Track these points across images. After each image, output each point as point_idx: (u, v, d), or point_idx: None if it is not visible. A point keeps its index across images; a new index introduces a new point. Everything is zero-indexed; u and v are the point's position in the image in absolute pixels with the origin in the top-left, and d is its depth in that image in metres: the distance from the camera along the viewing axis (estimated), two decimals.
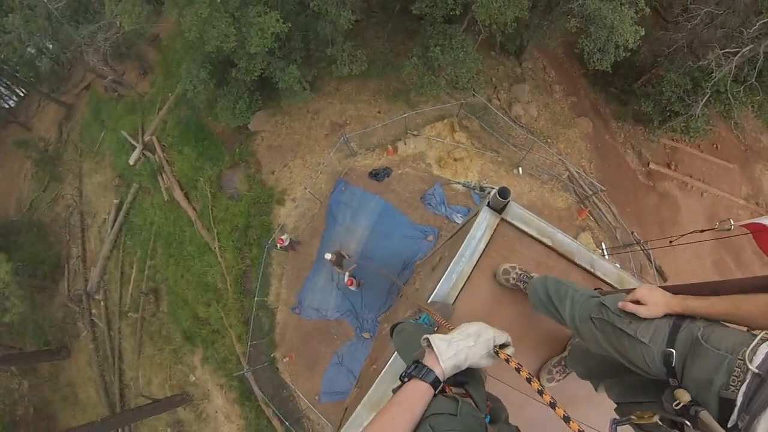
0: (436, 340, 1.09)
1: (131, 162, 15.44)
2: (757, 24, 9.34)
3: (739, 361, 1.30)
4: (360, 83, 12.48)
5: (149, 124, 15.80)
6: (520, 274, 2.49)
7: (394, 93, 12.23)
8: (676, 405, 1.40)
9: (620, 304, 1.68)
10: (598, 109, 13.12)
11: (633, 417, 1.59)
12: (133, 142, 15.67)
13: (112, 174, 16.42)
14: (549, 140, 11.94)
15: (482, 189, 2.60)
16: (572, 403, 2.52)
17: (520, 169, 11.05)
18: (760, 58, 9.60)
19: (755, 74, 10.00)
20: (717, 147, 12.99)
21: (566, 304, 1.90)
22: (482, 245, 2.53)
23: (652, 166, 12.52)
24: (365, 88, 12.56)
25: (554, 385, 2.52)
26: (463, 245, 2.52)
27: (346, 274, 9.84)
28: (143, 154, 15.39)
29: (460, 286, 2.45)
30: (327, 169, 11.45)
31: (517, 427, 1.37)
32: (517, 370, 1.10)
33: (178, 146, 14.81)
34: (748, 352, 1.29)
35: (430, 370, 1.06)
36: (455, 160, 10.92)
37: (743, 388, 1.27)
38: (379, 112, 12.10)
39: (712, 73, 10.06)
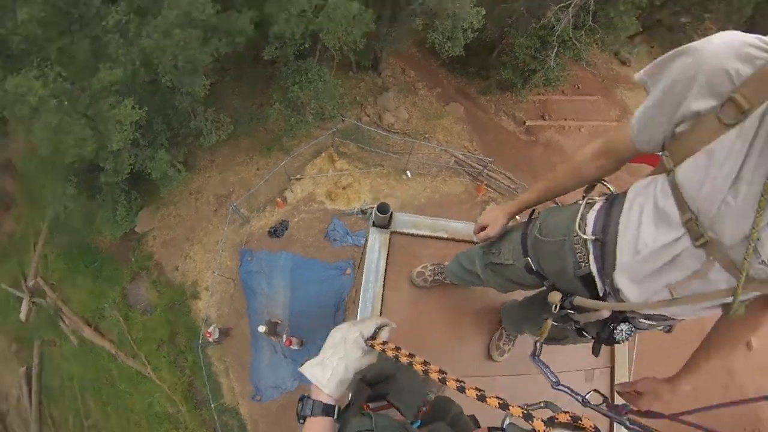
0: (307, 368, 1.06)
1: (22, 318, 14.12)
2: None
3: (575, 237, 1.37)
4: (232, 147, 12.46)
5: (28, 266, 14.66)
6: (434, 269, 2.58)
7: (267, 145, 12.33)
8: (555, 307, 1.48)
9: (473, 235, 1.83)
10: (464, 91, 13.91)
11: (537, 336, 1.67)
12: (18, 293, 14.41)
13: (7, 340, 14.75)
14: (427, 135, 12.48)
15: (363, 212, 2.62)
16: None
17: (408, 172, 11.42)
18: (591, 3, 10.68)
19: (590, 17, 11.15)
20: (578, 87, 14.18)
21: (476, 264, 1.99)
22: (382, 264, 2.58)
23: (528, 123, 13.44)
24: (238, 149, 12.57)
25: (507, 357, 2.63)
26: (365, 271, 2.60)
27: (284, 337, 9.70)
28: (33, 303, 14.23)
29: (379, 309, 2.51)
30: (227, 245, 11.23)
31: (470, 418, 1.37)
32: (396, 357, 1.06)
33: (68, 280, 13.90)
34: (578, 225, 1.36)
35: (315, 401, 1.02)
36: (344, 188, 11.13)
37: (591, 258, 1.33)
38: (258, 169, 12.13)
39: (554, 27, 11.20)
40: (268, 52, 10.29)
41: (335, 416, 1.02)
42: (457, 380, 0.92)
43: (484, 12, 9.96)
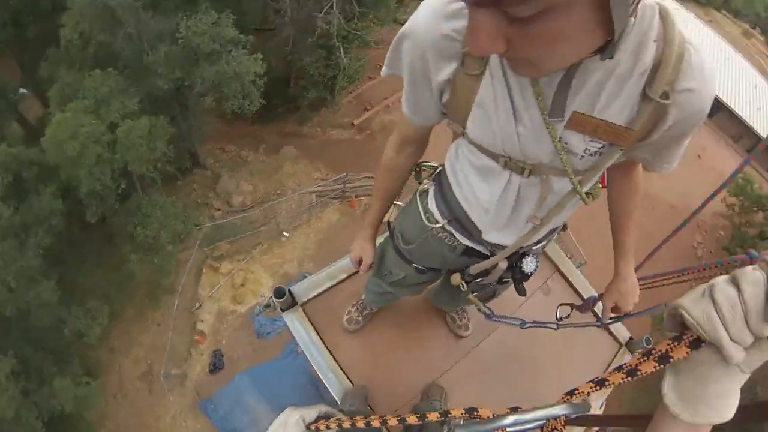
0: None
1: None
2: None
3: (432, 230, 1.44)
4: (119, 322, 11.81)
5: None
6: (358, 308, 2.60)
7: (150, 296, 11.91)
8: (462, 285, 1.53)
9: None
10: (285, 132, 14.34)
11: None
12: None
13: None
14: (278, 191, 12.70)
15: (267, 306, 2.56)
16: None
17: (285, 233, 11.59)
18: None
19: (356, 5, 12.03)
20: (380, 65, 14.99)
21: (383, 286, 2.05)
22: (315, 336, 2.53)
23: (356, 122, 14.10)
24: (127, 320, 11.98)
25: (473, 325, 2.67)
26: (305, 352, 2.53)
27: None
28: None
29: (344, 375, 2.48)
30: (184, 414, 10.70)
31: None
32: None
33: None
34: (427, 220, 1.44)
35: None
36: (242, 285, 11.05)
37: (457, 236, 1.40)
38: (158, 325, 11.74)
39: (331, 32, 11.82)
40: (90, 215, 10.00)
41: None
42: (396, 415, 0.95)
43: (261, 56, 10.36)
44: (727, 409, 0.59)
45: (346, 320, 2.57)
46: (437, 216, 1.40)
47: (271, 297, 2.50)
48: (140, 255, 10.60)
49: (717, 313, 0.54)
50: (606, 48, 0.73)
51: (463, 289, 1.54)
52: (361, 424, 1.02)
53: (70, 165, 8.93)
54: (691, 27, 22.07)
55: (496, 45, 0.63)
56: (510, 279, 1.50)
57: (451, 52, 0.96)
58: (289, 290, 2.46)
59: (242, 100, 10.55)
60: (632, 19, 0.78)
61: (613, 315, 1.62)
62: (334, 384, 2.40)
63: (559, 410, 0.70)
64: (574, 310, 1.76)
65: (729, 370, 0.57)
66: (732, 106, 19.49)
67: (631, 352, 2.89)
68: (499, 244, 1.32)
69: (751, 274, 0.53)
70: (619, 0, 0.58)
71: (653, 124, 0.95)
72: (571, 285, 2.91)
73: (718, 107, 18.90)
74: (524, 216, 1.19)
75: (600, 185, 1.21)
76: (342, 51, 12.34)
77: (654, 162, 1.12)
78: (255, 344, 10.83)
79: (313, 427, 1.07)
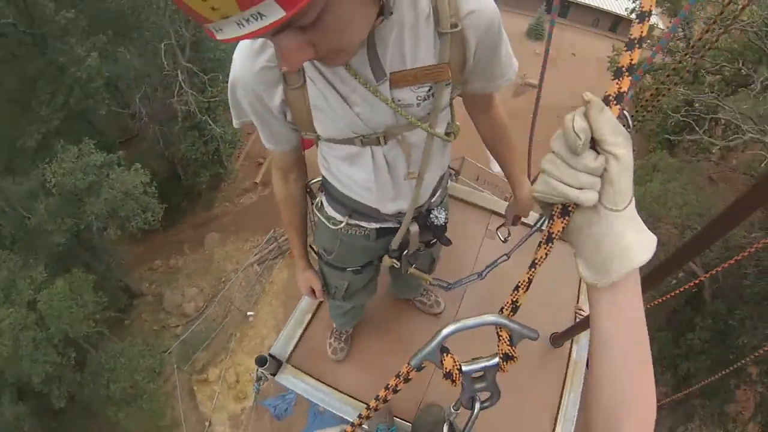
0: None
1: None
2: None
3: (341, 228, 1.56)
4: None
5: None
6: (335, 336, 2.64)
7: None
8: (396, 264, 1.67)
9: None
10: (198, 222, 14.27)
11: (426, 283, 1.88)
12: None
13: None
14: (222, 278, 12.93)
15: (259, 380, 2.45)
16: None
17: (249, 313, 11.63)
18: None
19: (203, 76, 12.15)
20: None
21: (344, 305, 2.15)
22: (315, 383, 2.51)
23: (257, 180, 14.19)
24: None
25: (443, 301, 2.78)
26: (318, 404, 2.55)
27: None
28: None
29: (356, 402, 2.48)
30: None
31: None
32: None
33: None
34: (332, 224, 1.57)
35: None
36: (237, 382, 11.04)
37: (364, 223, 1.53)
38: None
39: (192, 111, 11.96)
40: (56, 399, 9.38)
41: None
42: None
43: (139, 165, 10.27)
44: (637, 252, 0.57)
45: (331, 352, 2.63)
46: (338, 217, 1.53)
47: (257, 370, 2.50)
48: (126, 410, 10.16)
49: (548, 175, 0.58)
50: (383, 11, 0.89)
51: (396, 266, 1.66)
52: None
53: (11, 364, 8.47)
54: None
55: (305, 54, 0.77)
56: (432, 237, 1.61)
57: (274, 79, 1.09)
58: (269, 355, 2.49)
59: (143, 214, 10.39)
60: None
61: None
62: (354, 414, 2.42)
63: (491, 318, 0.70)
64: (509, 229, 1.92)
65: (605, 218, 0.58)
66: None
67: None
68: (399, 212, 1.43)
69: (556, 133, 0.57)
70: None
71: (462, 51, 1.08)
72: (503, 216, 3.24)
73: (568, 5, 20.59)
74: (401, 177, 1.31)
75: (457, 123, 1.30)
76: (211, 122, 12.42)
77: (490, 83, 1.25)
78: (281, 427, 10.68)
79: None
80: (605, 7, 20.83)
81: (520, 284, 0.70)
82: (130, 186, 9.78)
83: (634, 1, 14.99)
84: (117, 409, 10.11)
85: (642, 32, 0.55)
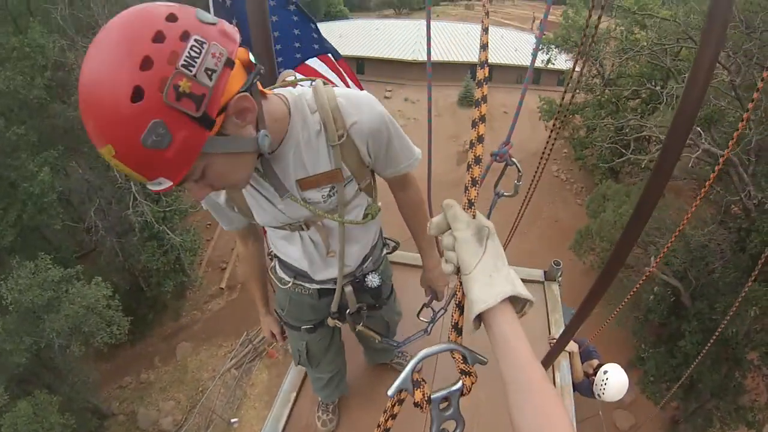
0: None
1: None
2: None
3: (291, 289, 1.80)
4: None
5: None
6: (321, 408, 2.66)
7: None
8: (344, 320, 1.88)
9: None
10: (167, 333, 13.73)
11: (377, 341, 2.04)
12: None
13: None
14: (199, 388, 12.37)
15: None
16: None
17: (232, 420, 11.18)
18: None
19: None
20: (209, 225, 15.21)
21: (294, 350, 2.20)
22: None
23: (222, 285, 14.21)
24: None
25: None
26: None
27: None
28: None
29: None
30: None
31: None
32: None
33: None
34: (283, 283, 1.78)
35: None
36: None
37: (305, 283, 1.74)
38: None
39: (149, 222, 11.78)
40: None
41: None
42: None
43: (100, 278, 10.08)
44: (476, 304, 0.74)
45: (321, 425, 2.68)
46: (285, 278, 1.77)
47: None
48: None
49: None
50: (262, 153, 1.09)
51: (339, 325, 1.94)
52: None
53: None
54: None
55: (205, 191, 1.01)
56: (372, 300, 1.89)
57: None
58: None
59: (108, 328, 9.97)
60: (261, 131, 1.04)
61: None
62: None
63: (446, 345, 0.81)
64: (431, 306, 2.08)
65: (464, 281, 0.77)
66: (498, 62, 23.44)
67: (553, 279, 3.53)
68: (332, 279, 1.69)
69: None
70: (219, 143, 0.90)
71: (355, 153, 1.32)
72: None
73: (491, 68, 22.71)
74: (324, 253, 1.59)
75: (378, 205, 1.56)
76: (169, 232, 12.51)
77: (393, 169, 1.49)
78: None
79: None
80: (525, 63, 23.01)
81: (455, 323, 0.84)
82: (92, 300, 9.47)
83: (547, 53, 16.72)
84: None
85: (484, 74, 0.85)
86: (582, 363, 4.05)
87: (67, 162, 11.85)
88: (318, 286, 1.74)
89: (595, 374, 3.96)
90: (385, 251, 1.91)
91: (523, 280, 2.59)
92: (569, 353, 3.27)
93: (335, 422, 2.69)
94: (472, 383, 0.79)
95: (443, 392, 0.80)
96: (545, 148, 3.71)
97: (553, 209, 15.07)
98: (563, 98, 4.15)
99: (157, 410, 11.91)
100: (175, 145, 0.81)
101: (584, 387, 4.00)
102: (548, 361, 2.07)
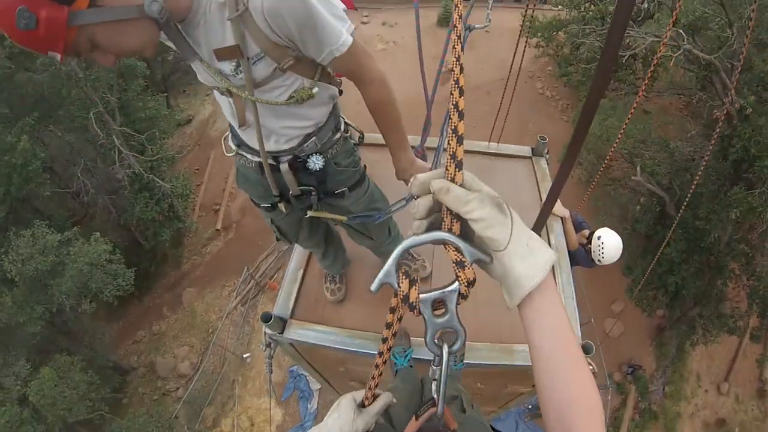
0: None
1: None
2: None
3: (241, 161, 1.86)
4: None
5: None
6: (327, 279, 2.77)
7: None
8: (289, 206, 1.94)
9: None
10: (171, 283, 14.20)
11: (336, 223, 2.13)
12: None
13: None
14: (209, 330, 12.90)
15: (268, 346, 2.41)
16: None
17: (245, 355, 11.58)
18: None
19: (139, 136, 11.95)
20: (196, 170, 15.21)
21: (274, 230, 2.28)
22: (324, 328, 2.60)
23: (218, 227, 14.49)
24: None
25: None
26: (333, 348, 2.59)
27: None
28: None
29: (369, 333, 2.56)
30: None
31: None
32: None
33: None
34: (226, 150, 1.87)
35: None
36: (252, 425, 10.85)
37: (247, 159, 1.77)
38: None
39: (137, 173, 12.14)
40: None
41: None
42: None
43: (98, 234, 10.28)
44: (526, 279, 0.68)
45: (330, 294, 2.75)
46: (232, 146, 1.79)
47: (264, 336, 2.56)
48: None
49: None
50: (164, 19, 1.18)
51: (285, 211, 1.92)
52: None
53: None
54: None
55: (109, 59, 1.17)
56: (316, 184, 1.82)
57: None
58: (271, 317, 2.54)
59: (114, 281, 10.29)
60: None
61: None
62: (367, 345, 2.50)
63: (442, 234, 0.71)
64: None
65: (497, 259, 0.69)
66: None
67: (540, 154, 3.68)
68: (256, 149, 1.65)
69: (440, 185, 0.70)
70: (92, 14, 1.03)
71: (261, 32, 1.29)
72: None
73: None
74: (237, 125, 1.61)
75: (312, 91, 1.50)
76: (159, 180, 12.51)
77: (318, 53, 1.40)
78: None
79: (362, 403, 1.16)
80: None
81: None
82: (94, 256, 9.68)
83: None
84: None
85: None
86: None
87: (44, 129, 11.64)
88: (258, 159, 1.71)
89: (589, 242, 4.20)
90: (339, 135, 1.79)
91: (512, 157, 3.42)
92: (562, 219, 3.41)
93: (343, 291, 2.77)
94: (468, 281, 0.69)
95: (435, 292, 0.71)
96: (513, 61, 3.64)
97: (539, 125, 15.07)
98: (525, 13, 4.21)
99: (173, 357, 12.53)
100: (42, 24, 0.98)
101: (581, 257, 4.22)
102: (540, 224, 2.06)
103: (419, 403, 1.66)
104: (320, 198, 1.89)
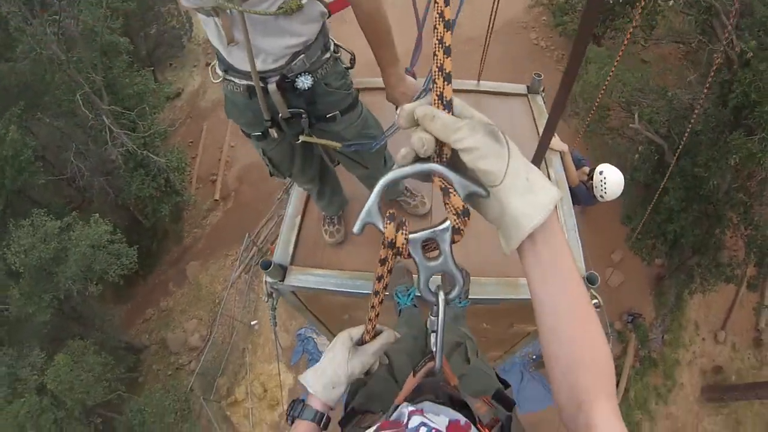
0: (304, 374, 1.08)
1: None
2: None
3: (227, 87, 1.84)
4: None
5: None
6: (325, 221, 2.74)
7: None
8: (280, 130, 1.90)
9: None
10: (173, 258, 14.38)
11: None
12: None
13: None
14: (216, 300, 13.03)
15: (270, 296, 2.41)
16: None
17: (252, 322, 11.71)
18: None
19: (131, 114, 11.82)
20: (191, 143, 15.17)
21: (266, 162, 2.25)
22: (325, 272, 2.58)
23: (216, 197, 14.49)
24: None
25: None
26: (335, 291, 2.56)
27: None
28: None
29: (370, 275, 2.63)
30: None
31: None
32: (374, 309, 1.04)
33: None
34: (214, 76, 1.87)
35: (306, 404, 1.03)
36: (265, 392, 11.15)
37: (235, 78, 1.74)
38: None
39: (131, 150, 11.63)
40: None
41: (321, 424, 1.04)
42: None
43: (97, 215, 10.36)
44: (525, 219, 0.60)
45: (328, 236, 2.71)
46: (219, 72, 1.75)
47: (266, 286, 2.53)
48: None
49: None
50: None
51: (276, 137, 1.88)
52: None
53: None
54: None
55: None
56: (305, 106, 1.79)
57: None
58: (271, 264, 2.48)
59: (118, 261, 10.37)
60: None
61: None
62: (369, 285, 2.50)
63: (432, 165, 0.63)
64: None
65: (493, 194, 0.61)
66: None
67: (536, 92, 3.62)
68: (244, 72, 1.64)
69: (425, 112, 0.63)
70: None
71: None
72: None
73: None
74: (225, 42, 1.56)
75: (300, 1, 1.46)
76: (153, 155, 12.38)
77: None
78: None
79: (358, 342, 1.11)
80: None
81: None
82: (95, 237, 9.72)
83: None
84: None
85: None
86: None
87: (31, 117, 11.47)
88: (246, 82, 1.69)
89: (590, 178, 4.11)
90: (329, 55, 1.76)
91: (508, 94, 3.38)
92: (561, 153, 3.34)
93: (342, 232, 2.73)
94: (458, 211, 0.63)
95: (425, 232, 0.65)
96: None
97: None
98: None
99: (183, 332, 12.76)
100: None
101: (583, 194, 4.13)
102: (538, 157, 2.00)
103: (423, 350, 1.62)
104: (311, 124, 1.86)
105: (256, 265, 13.02)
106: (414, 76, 2.05)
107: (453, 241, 0.65)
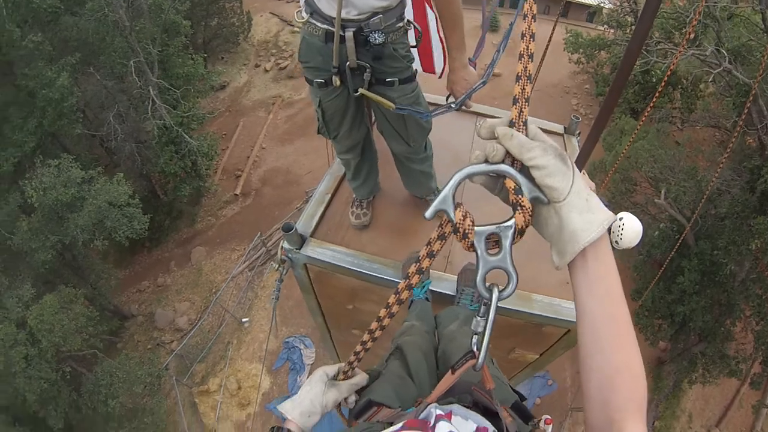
0: (284, 405, 1.14)
1: None
2: None
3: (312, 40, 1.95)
4: None
5: None
6: (355, 204, 2.73)
7: None
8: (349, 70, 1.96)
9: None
10: (182, 239, 14.30)
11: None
12: None
13: None
14: (213, 289, 12.94)
15: (282, 263, 2.25)
16: None
17: (243, 319, 11.94)
18: None
19: (175, 92, 12.13)
20: (225, 134, 15.41)
21: (318, 119, 2.32)
22: (344, 249, 2.54)
23: (237, 192, 14.35)
24: None
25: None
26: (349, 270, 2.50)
27: None
28: None
29: (386, 260, 2.53)
30: None
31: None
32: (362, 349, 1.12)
33: None
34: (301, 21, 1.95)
35: (283, 429, 1.08)
36: (239, 389, 10.90)
37: (320, 32, 1.86)
38: None
39: (167, 126, 11.91)
40: (54, 419, 9.25)
41: None
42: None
43: (122, 175, 10.47)
44: (582, 234, 0.65)
45: (354, 218, 2.71)
46: (305, 14, 1.86)
47: (280, 251, 2.46)
48: (127, 426, 9.96)
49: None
50: None
51: (337, 86, 1.97)
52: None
53: (3, 382, 8.39)
54: None
55: None
56: (372, 63, 1.90)
57: None
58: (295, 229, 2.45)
59: (130, 223, 10.44)
60: None
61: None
62: (385, 270, 2.44)
63: (503, 167, 0.68)
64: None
65: (555, 210, 0.67)
66: None
67: (572, 133, 3.70)
68: (334, 18, 1.75)
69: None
70: None
71: None
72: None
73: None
74: None
75: None
76: (186, 135, 12.69)
77: None
78: None
79: (334, 379, 1.21)
80: None
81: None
82: (114, 195, 9.88)
83: None
84: (118, 426, 9.93)
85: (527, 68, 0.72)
86: None
87: (84, 71, 11.89)
88: (326, 27, 1.80)
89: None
90: (402, 25, 1.90)
91: (547, 131, 3.15)
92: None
93: (369, 216, 2.73)
94: (526, 222, 0.68)
95: (491, 226, 0.68)
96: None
97: None
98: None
99: (173, 311, 12.69)
100: None
101: None
102: None
103: (435, 347, 1.67)
104: (371, 84, 1.97)
105: (261, 266, 13.04)
106: (474, 66, 2.19)
107: (514, 240, 0.69)
